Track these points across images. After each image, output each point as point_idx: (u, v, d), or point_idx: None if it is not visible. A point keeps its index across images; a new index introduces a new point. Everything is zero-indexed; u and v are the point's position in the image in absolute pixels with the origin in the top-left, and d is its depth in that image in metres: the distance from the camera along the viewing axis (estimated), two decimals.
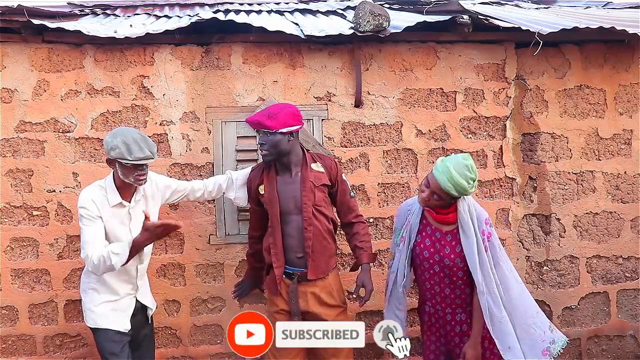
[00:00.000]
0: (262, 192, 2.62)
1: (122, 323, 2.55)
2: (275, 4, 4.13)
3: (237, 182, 2.78)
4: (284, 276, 2.60)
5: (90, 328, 2.57)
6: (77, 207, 2.49)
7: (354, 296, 2.65)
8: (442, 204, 2.30)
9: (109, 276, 2.51)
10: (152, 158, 2.43)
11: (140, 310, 2.64)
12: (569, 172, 3.38)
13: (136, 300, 2.62)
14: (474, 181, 2.26)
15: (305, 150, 2.69)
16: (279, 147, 2.51)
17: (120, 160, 2.38)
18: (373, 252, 2.72)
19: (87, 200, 2.44)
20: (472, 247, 2.28)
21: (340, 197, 2.69)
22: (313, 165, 2.62)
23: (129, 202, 2.53)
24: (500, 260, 2.34)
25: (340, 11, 3.88)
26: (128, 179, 2.44)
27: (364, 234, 2.70)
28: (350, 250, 2.83)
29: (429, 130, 3.27)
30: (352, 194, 2.73)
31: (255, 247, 2.81)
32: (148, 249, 2.64)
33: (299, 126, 2.57)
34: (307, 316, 2.58)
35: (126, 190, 2.52)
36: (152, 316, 2.75)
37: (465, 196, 2.31)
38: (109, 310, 2.54)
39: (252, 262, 2.91)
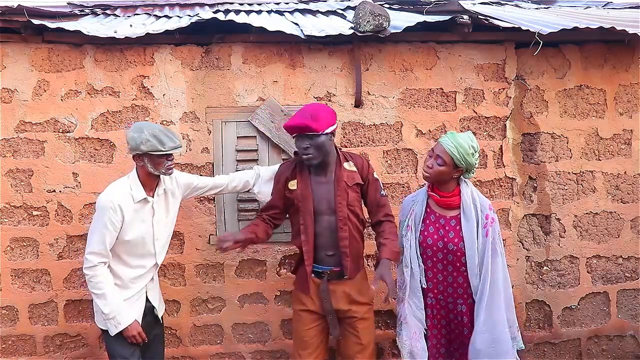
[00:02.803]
0: (292, 187, 2.59)
1: None
2: (275, 4, 4.12)
3: (263, 178, 2.81)
4: (312, 275, 2.60)
5: (102, 330, 2.57)
6: (97, 204, 2.48)
7: (373, 288, 2.48)
8: (445, 171, 2.35)
9: (125, 274, 2.52)
10: (181, 146, 2.53)
11: (150, 311, 2.64)
12: (569, 172, 3.38)
13: (147, 300, 2.62)
14: (475, 151, 2.36)
15: (338, 149, 2.66)
16: (324, 148, 2.49)
17: (152, 153, 2.41)
18: (398, 250, 2.58)
19: (113, 204, 2.42)
20: (472, 229, 2.35)
21: (372, 196, 2.64)
22: (345, 165, 2.60)
23: (152, 197, 2.56)
24: (497, 247, 2.38)
25: (340, 11, 3.88)
26: (159, 170, 2.48)
27: (390, 232, 2.60)
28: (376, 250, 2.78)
29: (429, 130, 3.27)
30: (382, 192, 2.67)
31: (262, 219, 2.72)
32: (164, 247, 2.66)
33: (336, 124, 2.58)
34: (336, 313, 2.59)
35: (149, 185, 2.55)
36: (162, 316, 2.75)
37: (466, 179, 2.43)
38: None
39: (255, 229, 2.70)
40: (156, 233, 2.58)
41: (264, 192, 2.80)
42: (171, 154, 2.49)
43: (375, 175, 2.69)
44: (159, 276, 3.13)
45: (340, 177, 2.55)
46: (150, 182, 2.54)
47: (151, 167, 2.46)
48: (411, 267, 2.46)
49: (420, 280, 2.45)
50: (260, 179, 2.82)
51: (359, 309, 2.58)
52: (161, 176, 2.57)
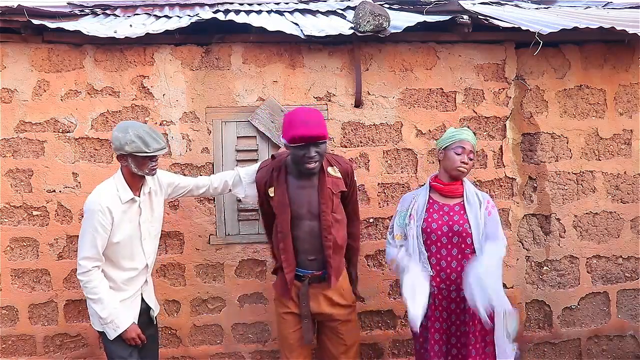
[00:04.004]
0: (271, 194, 2.52)
1: None
2: (275, 4, 4.13)
3: (245, 180, 2.71)
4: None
5: (99, 332, 2.56)
6: (85, 207, 2.45)
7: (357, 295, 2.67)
8: (474, 163, 2.60)
9: (117, 277, 2.50)
10: (165, 148, 2.49)
11: (145, 311, 2.63)
12: (569, 172, 3.38)
13: (142, 300, 2.61)
14: None
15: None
16: (325, 153, 2.47)
17: (136, 154, 2.39)
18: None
19: (101, 207, 2.40)
20: (475, 212, 2.51)
21: (352, 205, 2.64)
22: (330, 170, 2.53)
23: (139, 197, 2.54)
24: (500, 229, 2.53)
25: (340, 11, 3.88)
26: (142, 171, 2.45)
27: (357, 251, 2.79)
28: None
29: (429, 130, 3.27)
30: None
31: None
32: (152, 247, 2.64)
33: None
34: (318, 317, 2.58)
35: (135, 185, 2.53)
36: (156, 317, 2.74)
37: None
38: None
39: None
40: (143, 233, 2.55)
41: (250, 195, 2.70)
42: (155, 155, 2.45)
43: (355, 178, 2.65)
44: (159, 276, 3.15)
45: (324, 183, 2.48)
46: (135, 182, 2.52)
47: (135, 167, 2.43)
48: (411, 255, 2.50)
49: (423, 267, 2.48)
50: (243, 182, 2.72)
51: (341, 311, 2.57)
52: (145, 176, 2.55)
